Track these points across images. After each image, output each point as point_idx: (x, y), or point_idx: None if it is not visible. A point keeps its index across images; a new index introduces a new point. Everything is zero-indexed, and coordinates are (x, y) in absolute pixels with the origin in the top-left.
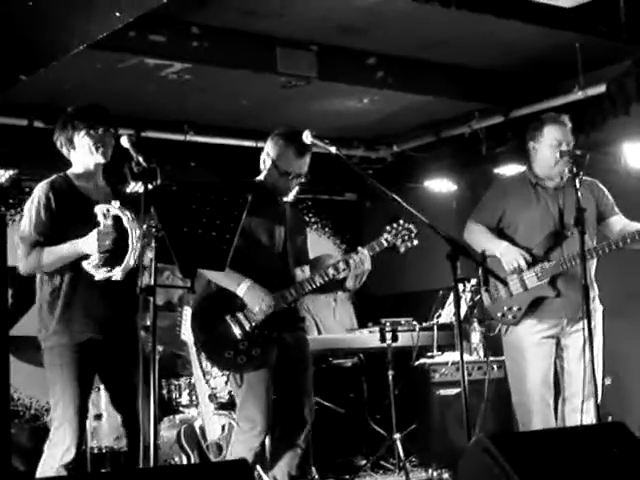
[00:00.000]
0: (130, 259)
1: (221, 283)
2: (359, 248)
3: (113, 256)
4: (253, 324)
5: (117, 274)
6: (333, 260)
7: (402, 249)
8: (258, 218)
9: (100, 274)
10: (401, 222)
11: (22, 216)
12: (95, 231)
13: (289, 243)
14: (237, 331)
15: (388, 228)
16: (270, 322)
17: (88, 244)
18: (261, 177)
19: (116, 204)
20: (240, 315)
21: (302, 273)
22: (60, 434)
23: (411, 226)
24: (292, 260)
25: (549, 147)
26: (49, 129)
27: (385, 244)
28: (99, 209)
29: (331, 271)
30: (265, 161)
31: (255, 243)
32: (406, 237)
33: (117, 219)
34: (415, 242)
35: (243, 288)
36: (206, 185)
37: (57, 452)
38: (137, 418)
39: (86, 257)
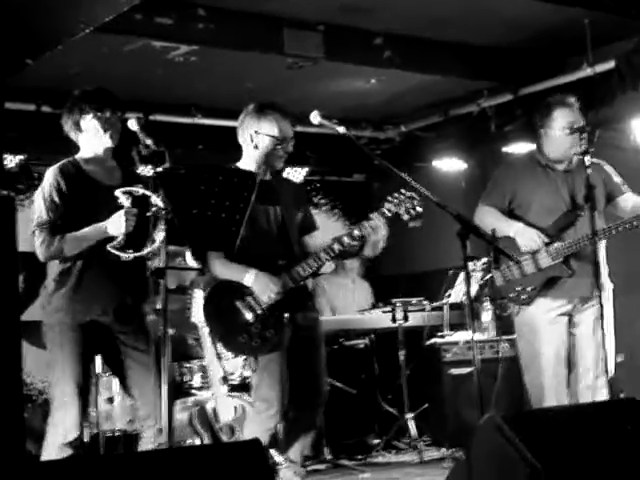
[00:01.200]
0: (154, 247)
1: (227, 276)
2: (370, 214)
3: (131, 237)
4: (264, 306)
5: (129, 256)
6: (346, 230)
7: (406, 217)
8: (253, 204)
9: (128, 255)
10: (403, 191)
11: (31, 201)
12: (122, 212)
13: (287, 221)
14: (249, 315)
15: (389, 198)
16: (281, 303)
17: (115, 225)
18: (249, 160)
19: (139, 186)
20: (250, 299)
21: (311, 239)
22: (60, 414)
23: (413, 194)
24: (293, 237)
25: (561, 130)
26: (57, 114)
27: (388, 213)
28: (120, 192)
29: (346, 239)
30: (254, 138)
31: (254, 230)
32: (409, 205)
33: (138, 200)
34: (419, 209)
35: (249, 279)
36: (215, 167)
37: (59, 431)
38: (149, 401)
39: (109, 240)
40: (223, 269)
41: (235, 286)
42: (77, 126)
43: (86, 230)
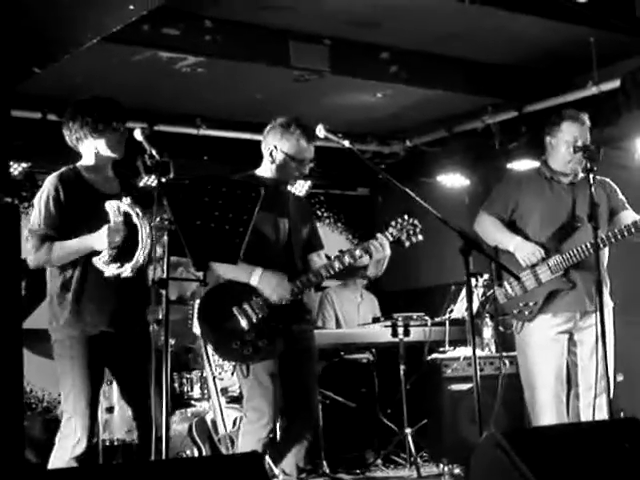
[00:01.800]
0: (140, 256)
1: (231, 275)
2: (377, 234)
3: (123, 252)
4: (260, 315)
5: (127, 271)
6: (349, 249)
7: (407, 244)
8: (262, 212)
9: (110, 271)
10: (406, 217)
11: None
12: (105, 227)
13: (294, 235)
14: (244, 322)
15: (393, 223)
16: (277, 314)
17: (98, 240)
18: (265, 170)
19: (127, 200)
20: (247, 306)
21: (318, 258)
22: (71, 426)
23: (416, 221)
24: (297, 252)
25: (565, 143)
26: (62, 122)
27: (390, 238)
28: (109, 205)
29: (347, 258)
30: (273, 153)
31: (260, 237)
32: (411, 232)
33: (127, 215)
34: (420, 237)
35: (256, 277)
36: (219, 178)
37: (68, 444)
38: (148, 411)
39: (97, 253)
40: (228, 268)
41: (232, 291)
42: (84, 138)
43: (74, 242)
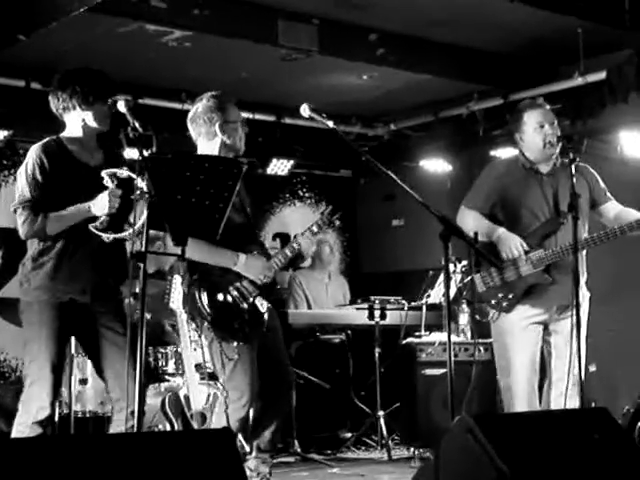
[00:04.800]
0: (135, 229)
1: (213, 263)
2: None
3: (114, 219)
4: (254, 294)
5: (110, 238)
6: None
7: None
8: None
9: (109, 236)
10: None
11: (15, 179)
12: (106, 192)
13: (248, 211)
14: (244, 304)
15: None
16: (262, 292)
17: (99, 206)
18: (214, 148)
19: (125, 168)
20: (243, 288)
21: None
22: (35, 391)
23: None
24: (256, 229)
25: (533, 131)
26: (46, 91)
27: (315, 230)
28: (105, 173)
29: (295, 245)
30: (224, 128)
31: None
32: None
33: (125, 182)
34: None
35: (240, 262)
36: (201, 154)
37: (31, 409)
38: (121, 384)
39: (90, 220)
40: (209, 254)
41: (228, 272)
42: (71, 109)
43: (70, 209)
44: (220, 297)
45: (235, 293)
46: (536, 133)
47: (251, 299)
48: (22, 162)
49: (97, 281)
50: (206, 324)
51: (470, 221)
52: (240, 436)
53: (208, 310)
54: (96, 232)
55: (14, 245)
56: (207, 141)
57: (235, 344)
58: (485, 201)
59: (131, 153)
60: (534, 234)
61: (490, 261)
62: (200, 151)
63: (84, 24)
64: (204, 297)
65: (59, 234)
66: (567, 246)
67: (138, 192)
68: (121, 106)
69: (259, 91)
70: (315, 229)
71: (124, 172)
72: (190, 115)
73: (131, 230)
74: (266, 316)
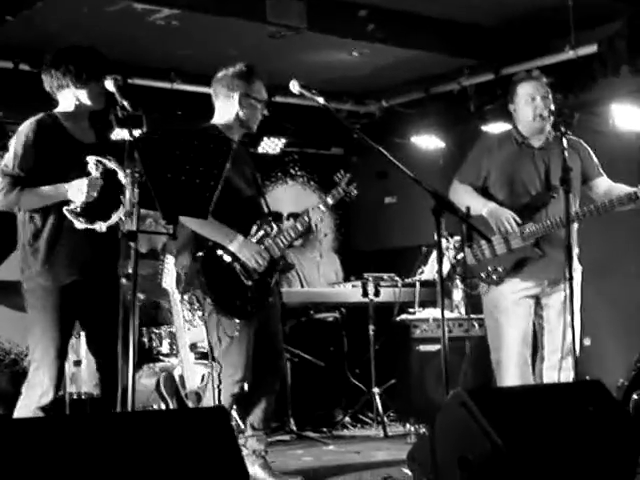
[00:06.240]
0: (118, 216)
1: (208, 235)
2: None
3: (94, 207)
4: (260, 271)
5: (101, 228)
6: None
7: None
8: (232, 167)
9: (81, 224)
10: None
11: (2, 158)
12: (86, 180)
13: (259, 184)
14: (247, 281)
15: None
16: (269, 270)
17: (75, 191)
18: (225, 118)
19: (112, 159)
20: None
21: None
22: (39, 376)
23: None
24: (266, 202)
25: (525, 104)
26: (34, 72)
27: (331, 202)
28: (92, 159)
29: (306, 217)
30: (242, 100)
31: (236, 193)
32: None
33: (108, 172)
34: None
35: (235, 244)
36: (190, 132)
37: (35, 394)
38: (114, 363)
39: (67, 202)
40: (207, 227)
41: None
42: (65, 87)
43: (46, 189)
44: (224, 273)
45: (239, 269)
46: (527, 105)
47: (256, 275)
48: (14, 136)
49: (92, 261)
50: (208, 299)
51: (462, 195)
52: (235, 414)
53: (211, 286)
54: (69, 216)
55: (7, 227)
56: (221, 104)
57: (237, 321)
58: (477, 175)
59: (121, 133)
60: (525, 208)
61: (482, 235)
62: (219, 117)
63: (71, 4)
64: (208, 273)
65: (47, 215)
66: (557, 220)
67: (128, 172)
68: (109, 85)
69: (251, 63)
70: (330, 201)
71: (109, 163)
72: (217, 75)
73: (103, 225)
74: (271, 296)
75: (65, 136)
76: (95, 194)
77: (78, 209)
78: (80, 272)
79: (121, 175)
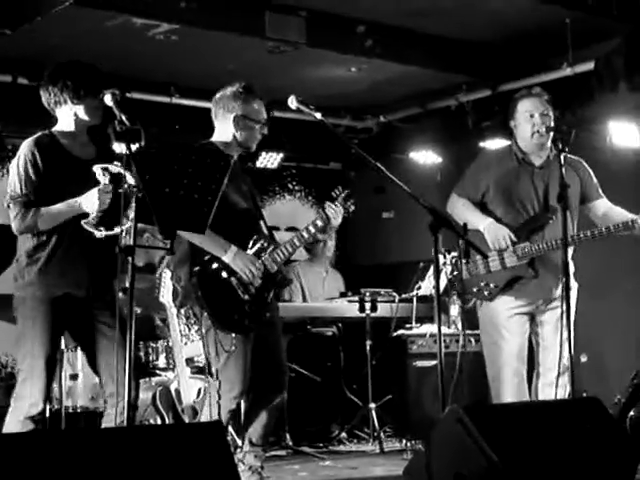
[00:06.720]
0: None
1: (203, 246)
2: (326, 203)
3: (109, 214)
4: (256, 285)
5: (117, 231)
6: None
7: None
8: (230, 181)
9: (101, 232)
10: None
11: (3, 173)
12: (96, 189)
13: (256, 198)
14: (245, 295)
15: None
16: (266, 284)
17: (89, 202)
18: (223, 137)
19: (117, 164)
20: (244, 277)
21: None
22: (27, 387)
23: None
24: (262, 214)
25: (524, 121)
26: (33, 86)
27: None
28: (97, 168)
29: (312, 228)
30: (239, 121)
31: (233, 208)
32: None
33: (116, 177)
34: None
35: (230, 255)
36: (188, 147)
37: (24, 405)
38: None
39: (82, 216)
40: (202, 239)
41: (229, 267)
42: (63, 103)
43: (60, 205)
44: (220, 288)
45: (236, 283)
46: (526, 122)
47: (253, 289)
48: (10, 157)
49: (92, 275)
50: (205, 313)
51: (460, 209)
52: (231, 429)
53: (208, 301)
54: (88, 228)
55: (6, 241)
56: (220, 125)
57: (233, 335)
58: (476, 189)
59: (119, 147)
60: (523, 227)
61: (479, 251)
62: (217, 135)
63: (70, 18)
64: (205, 287)
65: (53, 229)
66: (554, 243)
67: (126, 185)
68: (108, 99)
69: (248, 83)
70: (343, 197)
71: (116, 167)
72: (216, 95)
73: (123, 226)
74: (269, 311)
75: (63, 154)
76: (108, 200)
77: (96, 219)
78: (74, 286)
79: (129, 177)
